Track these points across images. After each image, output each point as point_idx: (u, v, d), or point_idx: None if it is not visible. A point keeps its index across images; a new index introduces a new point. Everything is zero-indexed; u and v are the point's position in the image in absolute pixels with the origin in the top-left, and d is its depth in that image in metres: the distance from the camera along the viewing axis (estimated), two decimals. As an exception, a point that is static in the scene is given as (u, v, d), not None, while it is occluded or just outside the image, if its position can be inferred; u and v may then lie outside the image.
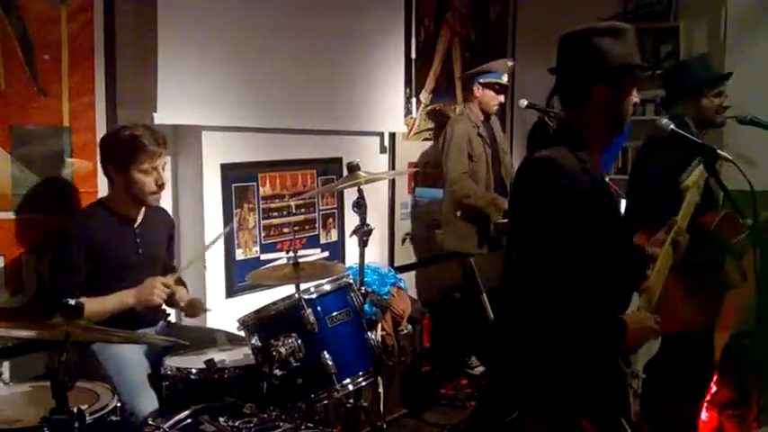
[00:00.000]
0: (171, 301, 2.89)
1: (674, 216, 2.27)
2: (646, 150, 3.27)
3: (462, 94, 5.05)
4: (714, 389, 2.99)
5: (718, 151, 2.31)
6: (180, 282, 2.98)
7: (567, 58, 2.13)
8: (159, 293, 2.69)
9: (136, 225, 2.82)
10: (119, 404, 2.19)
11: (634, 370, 2.14)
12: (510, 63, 4.56)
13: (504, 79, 4.46)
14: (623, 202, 3.26)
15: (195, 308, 2.91)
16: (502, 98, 4.53)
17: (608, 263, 2.05)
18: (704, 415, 2.94)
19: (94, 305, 2.53)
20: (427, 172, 4.86)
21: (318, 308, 2.49)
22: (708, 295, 2.89)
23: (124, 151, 2.68)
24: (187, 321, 3.09)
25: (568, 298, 1.95)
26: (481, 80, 4.45)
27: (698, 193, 2.31)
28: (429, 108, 4.88)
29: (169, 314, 3.02)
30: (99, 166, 2.86)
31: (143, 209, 2.84)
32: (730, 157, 2.26)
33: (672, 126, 2.33)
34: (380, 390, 3.54)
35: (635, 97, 2.15)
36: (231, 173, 3.45)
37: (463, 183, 4.33)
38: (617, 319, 2.02)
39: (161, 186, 2.77)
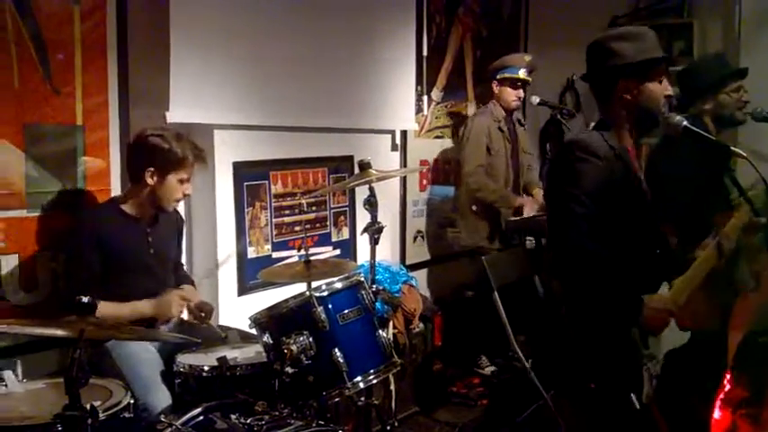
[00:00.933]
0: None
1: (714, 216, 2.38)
2: (661, 149, 3.24)
3: (475, 91, 5.05)
4: (728, 387, 2.96)
5: (732, 148, 2.30)
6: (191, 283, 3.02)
7: (592, 63, 2.37)
8: (177, 309, 2.75)
9: (148, 225, 2.84)
10: (132, 401, 2.20)
11: (653, 352, 2.19)
12: (527, 58, 4.46)
13: (522, 74, 4.35)
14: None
15: (203, 311, 2.90)
16: (521, 93, 4.43)
17: (631, 244, 2.20)
18: (718, 414, 2.91)
19: (110, 309, 2.57)
20: (438, 169, 4.86)
21: (330, 306, 2.49)
22: (719, 294, 2.87)
23: (171, 160, 2.72)
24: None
25: (589, 265, 2.13)
26: (498, 76, 4.40)
27: (749, 214, 2.37)
28: (448, 110, 4.88)
29: (182, 312, 3.03)
30: (118, 164, 2.93)
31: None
32: (744, 154, 2.25)
33: (685, 123, 2.33)
34: (392, 388, 3.54)
35: (667, 90, 2.31)
36: (243, 171, 3.46)
37: (477, 176, 4.31)
38: (636, 296, 2.15)
39: (186, 196, 2.85)
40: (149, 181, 2.74)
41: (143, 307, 2.69)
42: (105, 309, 2.52)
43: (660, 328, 2.22)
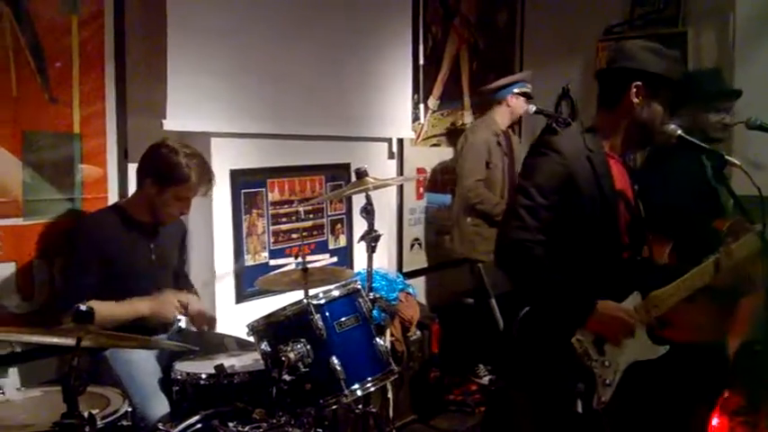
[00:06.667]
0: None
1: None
2: (653, 159, 3.24)
3: (473, 106, 5.08)
4: (726, 395, 2.97)
5: (726, 156, 2.31)
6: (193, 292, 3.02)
7: (613, 61, 2.34)
8: (173, 310, 2.74)
9: (150, 232, 2.84)
10: (130, 409, 2.20)
11: (610, 360, 2.16)
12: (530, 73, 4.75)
13: (529, 87, 4.58)
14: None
15: (202, 319, 2.91)
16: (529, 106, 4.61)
17: (589, 246, 2.21)
18: (715, 421, 2.92)
19: (107, 309, 2.55)
20: (437, 178, 4.87)
21: (327, 313, 2.50)
22: (720, 304, 2.87)
23: (173, 175, 2.70)
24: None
25: (525, 255, 2.17)
26: (516, 90, 4.53)
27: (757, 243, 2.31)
28: (444, 118, 4.91)
29: (180, 319, 3.03)
30: (115, 172, 2.96)
31: None
32: (738, 162, 2.27)
33: (679, 132, 2.34)
34: (389, 395, 3.54)
35: (670, 125, 2.30)
36: (240, 179, 3.47)
37: (479, 189, 4.36)
38: (584, 298, 2.16)
39: (183, 215, 2.85)
40: (148, 189, 2.75)
41: (139, 306, 2.67)
42: (101, 308, 2.51)
43: (615, 335, 2.18)
